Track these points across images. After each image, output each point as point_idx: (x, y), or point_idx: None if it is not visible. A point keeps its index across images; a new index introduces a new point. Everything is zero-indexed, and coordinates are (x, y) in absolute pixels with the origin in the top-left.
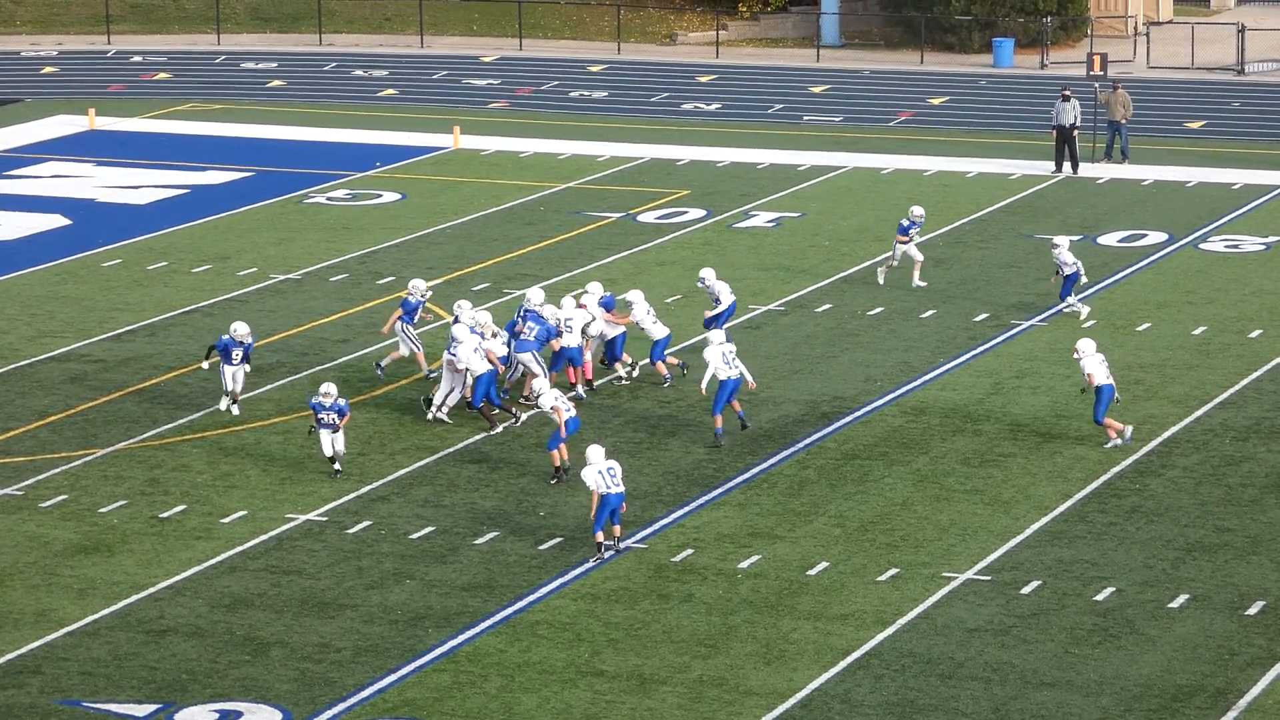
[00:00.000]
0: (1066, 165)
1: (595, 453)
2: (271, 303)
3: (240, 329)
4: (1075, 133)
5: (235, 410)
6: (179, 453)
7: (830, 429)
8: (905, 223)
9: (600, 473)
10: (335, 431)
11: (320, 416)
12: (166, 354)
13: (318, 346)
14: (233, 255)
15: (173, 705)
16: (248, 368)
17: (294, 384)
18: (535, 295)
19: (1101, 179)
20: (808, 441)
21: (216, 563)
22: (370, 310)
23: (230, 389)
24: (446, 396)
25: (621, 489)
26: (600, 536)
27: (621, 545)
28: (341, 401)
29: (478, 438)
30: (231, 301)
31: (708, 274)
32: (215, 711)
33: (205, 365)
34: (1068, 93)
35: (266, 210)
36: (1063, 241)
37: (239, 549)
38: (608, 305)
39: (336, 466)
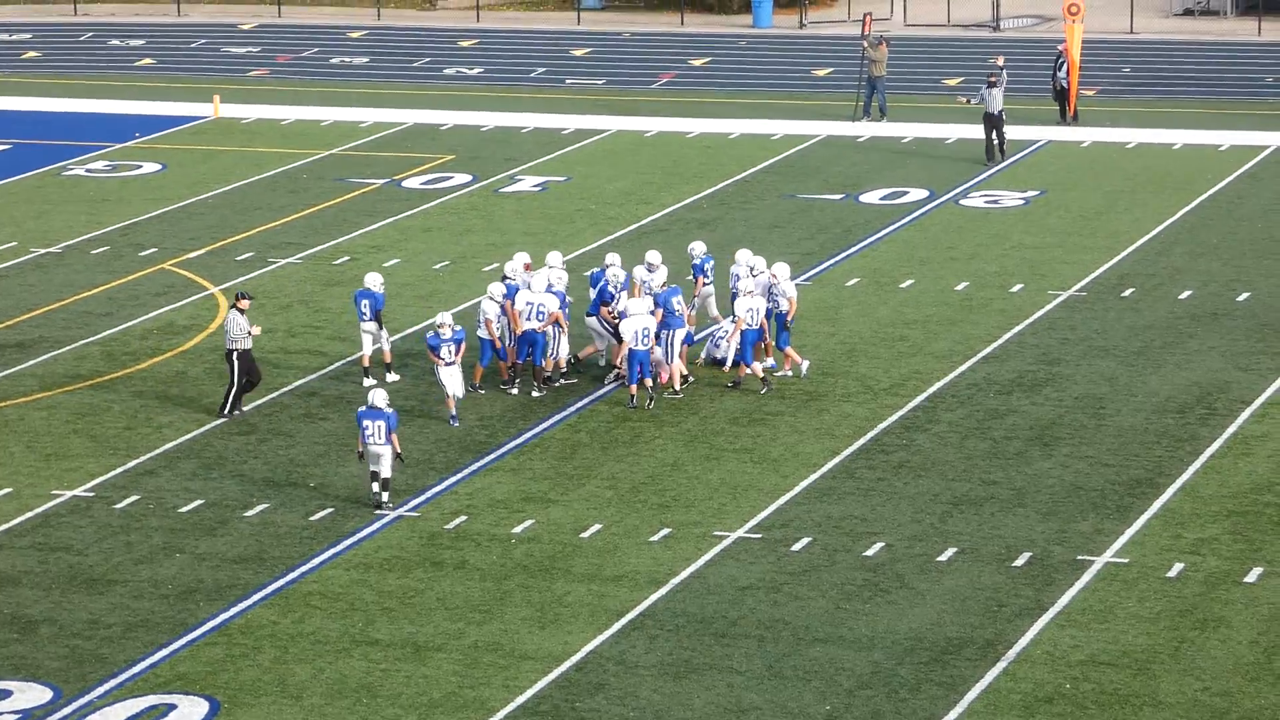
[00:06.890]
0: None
1: (638, 305)
2: (32, 277)
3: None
4: (1003, 117)
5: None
6: None
7: (601, 392)
8: (696, 262)
9: (636, 331)
10: (451, 365)
11: (441, 354)
12: None
13: (81, 320)
14: None
15: None
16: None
17: (57, 359)
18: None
19: (861, 137)
20: (580, 405)
21: None
22: (133, 282)
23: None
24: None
25: (648, 349)
26: (633, 389)
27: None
28: (460, 329)
29: (247, 409)
30: None
31: (742, 255)
32: None
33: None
34: (993, 79)
35: (23, 184)
36: (741, 260)
37: (4, 526)
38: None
39: (454, 412)
